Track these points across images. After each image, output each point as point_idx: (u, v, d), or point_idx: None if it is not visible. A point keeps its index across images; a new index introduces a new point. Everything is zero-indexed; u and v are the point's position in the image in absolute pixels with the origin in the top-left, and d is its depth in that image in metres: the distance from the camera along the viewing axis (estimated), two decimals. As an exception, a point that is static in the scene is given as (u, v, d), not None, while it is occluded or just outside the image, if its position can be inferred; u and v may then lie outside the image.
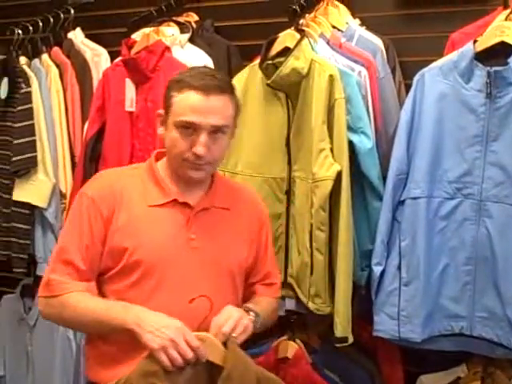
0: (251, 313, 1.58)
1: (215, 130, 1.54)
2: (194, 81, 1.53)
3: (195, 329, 1.45)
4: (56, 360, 2.65)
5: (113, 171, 1.78)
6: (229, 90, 1.57)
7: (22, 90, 2.57)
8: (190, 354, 1.39)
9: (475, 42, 1.84)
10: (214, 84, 1.53)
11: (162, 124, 1.61)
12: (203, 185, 1.64)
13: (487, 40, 1.83)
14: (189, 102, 1.52)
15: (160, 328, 1.41)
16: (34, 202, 2.55)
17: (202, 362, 1.42)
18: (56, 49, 2.64)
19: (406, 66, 2.15)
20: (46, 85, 2.59)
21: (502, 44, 1.82)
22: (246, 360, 1.47)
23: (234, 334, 1.46)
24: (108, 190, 1.58)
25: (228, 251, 1.63)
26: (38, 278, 2.37)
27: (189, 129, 1.52)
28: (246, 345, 1.52)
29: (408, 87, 2.01)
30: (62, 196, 2.57)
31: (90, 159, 2.42)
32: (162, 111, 1.61)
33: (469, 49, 1.84)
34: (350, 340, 1.94)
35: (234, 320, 1.48)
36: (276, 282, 1.78)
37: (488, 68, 1.81)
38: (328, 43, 2.08)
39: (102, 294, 1.58)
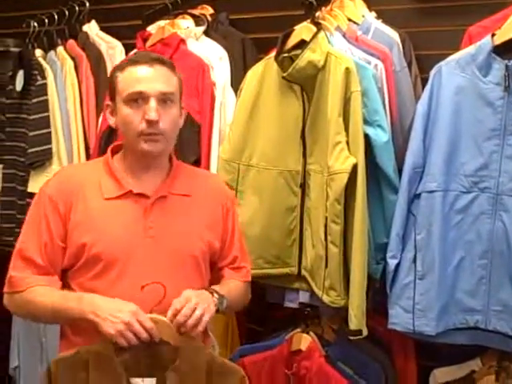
0: (215, 294, 1.59)
1: (164, 99, 1.56)
2: (136, 58, 1.60)
3: (149, 312, 1.49)
4: (69, 351, 2.66)
5: (72, 167, 1.82)
6: (171, 64, 1.62)
7: (38, 83, 2.58)
8: (143, 335, 1.46)
9: (493, 35, 1.83)
10: (155, 57, 1.60)
11: (111, 114, 1.63)
12: (160, 172, 1.65)
13: (506, 33, 1.82)
14: (134, 75, 1.57)
15: (115, 313, 1.46)
16: (48, 194, 2.56)
17: (155, 341, 1.48)
18: (71, 41, 2.65)
19: (423, 59, 2.14)
20: (61, 77, 2.60)
21: (521, 37, 1.81)
22: (197, 346, 1.53)
23: (189, 321, 1.48)
24: (65, 186, 1.60)
25: (189, 237, 1.63)
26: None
27: (138, 100, 1.55)
28: (260, 337, 1.54)
29: (424, 81, 2.00)
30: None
31: (104, 151, 2.42)
32: (108, 102, 1.63)
33: (487, 42, 1.83)
34: (365, 333, 1.93)
35: (189, 307, 1.49)
36: (245, 265, 1.78)
37: (506, 61, 1.80)
38: (344, 36, 2.07)
39: (68, 287, 1.59)
